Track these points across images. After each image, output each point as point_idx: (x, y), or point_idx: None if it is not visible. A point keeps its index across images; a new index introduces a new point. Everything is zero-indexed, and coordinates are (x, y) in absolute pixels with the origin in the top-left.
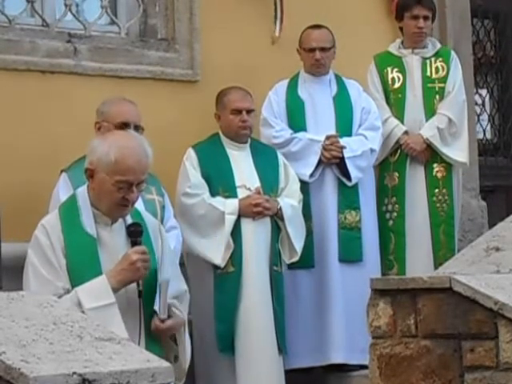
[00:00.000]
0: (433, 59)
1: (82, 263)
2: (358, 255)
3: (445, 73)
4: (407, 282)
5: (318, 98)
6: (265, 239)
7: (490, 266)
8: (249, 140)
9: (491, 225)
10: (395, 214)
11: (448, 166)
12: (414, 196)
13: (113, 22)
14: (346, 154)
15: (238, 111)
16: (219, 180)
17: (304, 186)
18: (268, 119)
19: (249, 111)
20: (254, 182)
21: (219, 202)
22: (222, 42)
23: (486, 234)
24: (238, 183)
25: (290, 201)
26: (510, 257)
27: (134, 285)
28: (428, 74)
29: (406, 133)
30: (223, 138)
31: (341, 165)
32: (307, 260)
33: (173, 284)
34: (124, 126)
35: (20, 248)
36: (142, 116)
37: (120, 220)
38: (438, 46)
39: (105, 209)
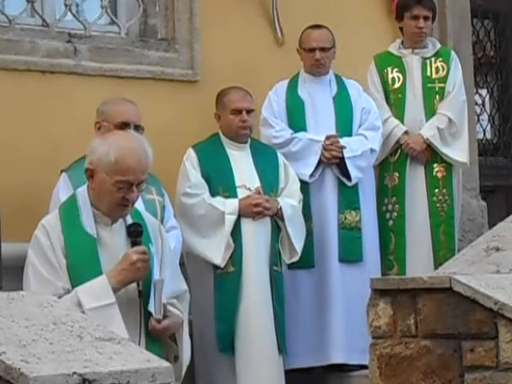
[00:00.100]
0: (433, 59)
1: (82, 263)
2: (358, 255)
3: (445, 73)
4: (407, 282)
5: (318, 98)
6: (265, 239)
7: (490, 266)
8: (249, 140)
9: (491, 225)
10: (395, 213)
11: (448, 166)
12: (414, 196)
13: (113, 22)
14: (346, 154)
15: (238, 111)
16: (219, 180)
17: (304, 186)
18: (268, 119)
19: (249, 111)
20: (254, 182)
21: (219, 202)
22: (222, 42)
23: (486, 234)
24: (238, 183)
25: (290, 201)
26: (510, 257)
27: (133, 285)
28: (428, 74)
29: (406, 133)
30: (223, 138)
31: (341, 165)
32: (307, 260)
33: (173, 284)
34: (124, 125)
35: (20, 248)
36: (142, 116)
37: (120, 220)
38: (438, 46)
39: (105, 209)
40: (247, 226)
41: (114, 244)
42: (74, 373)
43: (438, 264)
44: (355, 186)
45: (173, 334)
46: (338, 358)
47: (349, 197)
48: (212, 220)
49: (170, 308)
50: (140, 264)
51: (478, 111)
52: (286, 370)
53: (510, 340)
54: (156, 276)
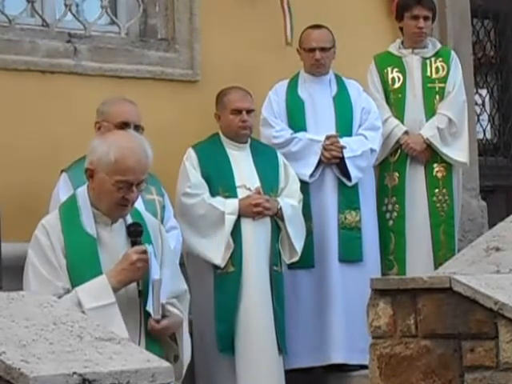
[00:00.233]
0: (433, 59)
1: (82, 263)
2: (358, 255)
3: (445, 73)
4: (407, 281)
5: (318, 97)
6: (265, 239)
7: (490, 266)
8: (249, 140)
9: (491, 225)
10: (395, 213)
11: (448, 166)
12: (414, 196)
13: (113, 22)
14: (346, 154)
15: (238, 111)
16: (219, 180)
17: (304, 186)
18: (268, 119)
19: (249, 111)
20: (254, 182)
21: (219, 202)
22: (222, 42)
23: (486, 234)
24: (238, 183)
25: (290, 201)
26: (510, 257)
27: (134, 285)
28: (428, 74)
29: (406, 133)
30: (223, 138)
31: (341, 165)
32: (307, 260)
33: (173, 284)
34: (124, 125)
35: (20, 248)
36: (142, 116)
37: (120, 220)
38: (438, 46)
39: (105, 209)
40: (247, 225)
41: (113, 244)
42: (74, 373)
43: (438, 264)
44: (355, 186)
45: (173, 334)
46: (338, 358)
47: (349, 197)
48: (212, 220)
49: (170, 308)
50: (140, 264)
51: (478, 111)
52: (286, 370)
53: (510, 340)
54: (156, 276)
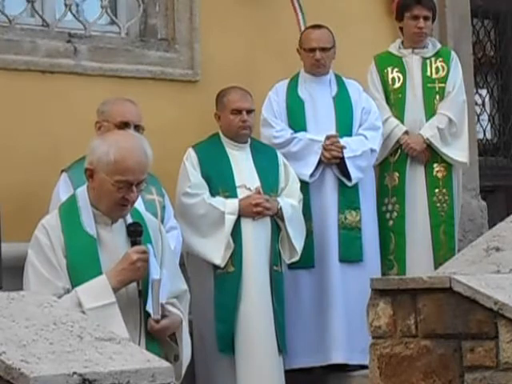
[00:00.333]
0: (433, 59)
1: (82, 263)
2: (358, 255)
3: (445, 73)
4: (407, 281)
5: (318, 97)
6: (265, 239)
7: (490, 266)
8: (249, 140)
9: (491, 225)
10: (395, 213)
11: (448, 166)
12: (414, 196)
13: (113, 22)
14: (346, 154)
15: (238, 111)
16: (219, 180)
17: (304, 186)
18: (268, 119)
19: (249, 111)
20: (254, 182)
21: (219, 201)
22: (222, 42)
23: (486, 234)
24: (237, 183)
25: (290, 201)
26: (510, 257)
27: (134, 285)
28: (428, 73)
29: (406, 133)
30: (223, 138)
31: (341, 165)
32: (307, 260)
33: (173, 284)
34: (124, 125)
35: (20, 248)
36: (142, 116)
37: (120, 220)
38: (438, 46)
39: (105, 209)
40: (247, 226)
41: (113, 244)
42: (74, 373)
43: (437, 264)
44: (355, 186)
45: (173, 334)
46: (338, 358)
47: (349, 197)
48: (212, 220)
49: (169, 307)
50: (140, 263)
51: (478, 111)
52: (286, 370)
53: (510, 340)
54: (156, 276)
